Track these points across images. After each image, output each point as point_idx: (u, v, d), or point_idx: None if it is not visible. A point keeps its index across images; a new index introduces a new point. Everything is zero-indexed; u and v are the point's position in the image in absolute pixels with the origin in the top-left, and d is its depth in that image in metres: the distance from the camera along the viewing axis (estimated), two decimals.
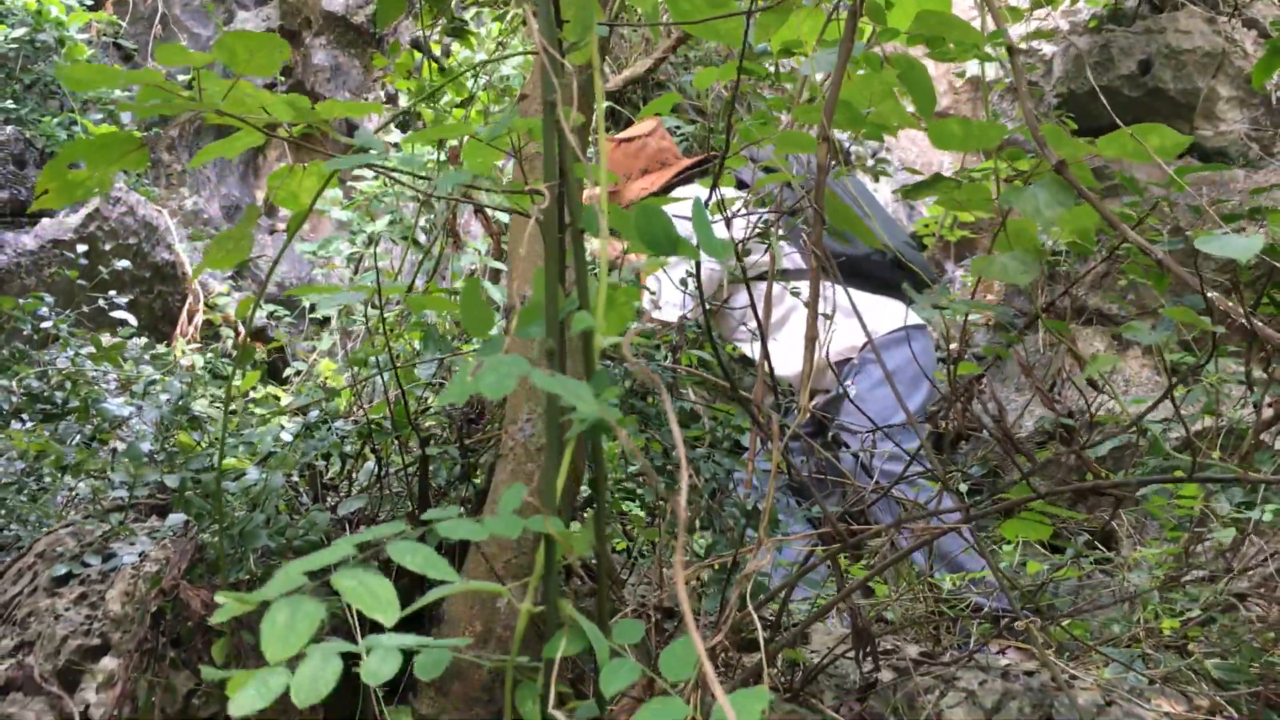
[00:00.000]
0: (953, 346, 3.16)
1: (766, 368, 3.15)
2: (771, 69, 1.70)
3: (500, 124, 0.96)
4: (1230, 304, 1.32)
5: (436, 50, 4.35)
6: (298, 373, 4.04)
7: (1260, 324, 1.25)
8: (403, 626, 1.95)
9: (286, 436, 2.02)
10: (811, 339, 1.28)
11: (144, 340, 2.58)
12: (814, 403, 3.40)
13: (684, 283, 3.40)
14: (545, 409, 0.79)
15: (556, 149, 0.80)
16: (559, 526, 0.78)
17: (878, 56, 1.51)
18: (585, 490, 2.21)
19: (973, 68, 5.68)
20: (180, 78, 4.67)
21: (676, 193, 3.42)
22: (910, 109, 1.69)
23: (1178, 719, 2.01)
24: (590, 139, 1.34)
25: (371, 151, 1.17)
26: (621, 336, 0.81)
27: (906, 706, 2.03)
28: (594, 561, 2.25)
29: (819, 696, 2.01)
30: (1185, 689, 2.12)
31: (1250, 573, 2.44)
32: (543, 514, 1.66)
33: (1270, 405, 3.02)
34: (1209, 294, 1.26)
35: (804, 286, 3.13)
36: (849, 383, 3.09)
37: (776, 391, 2.00)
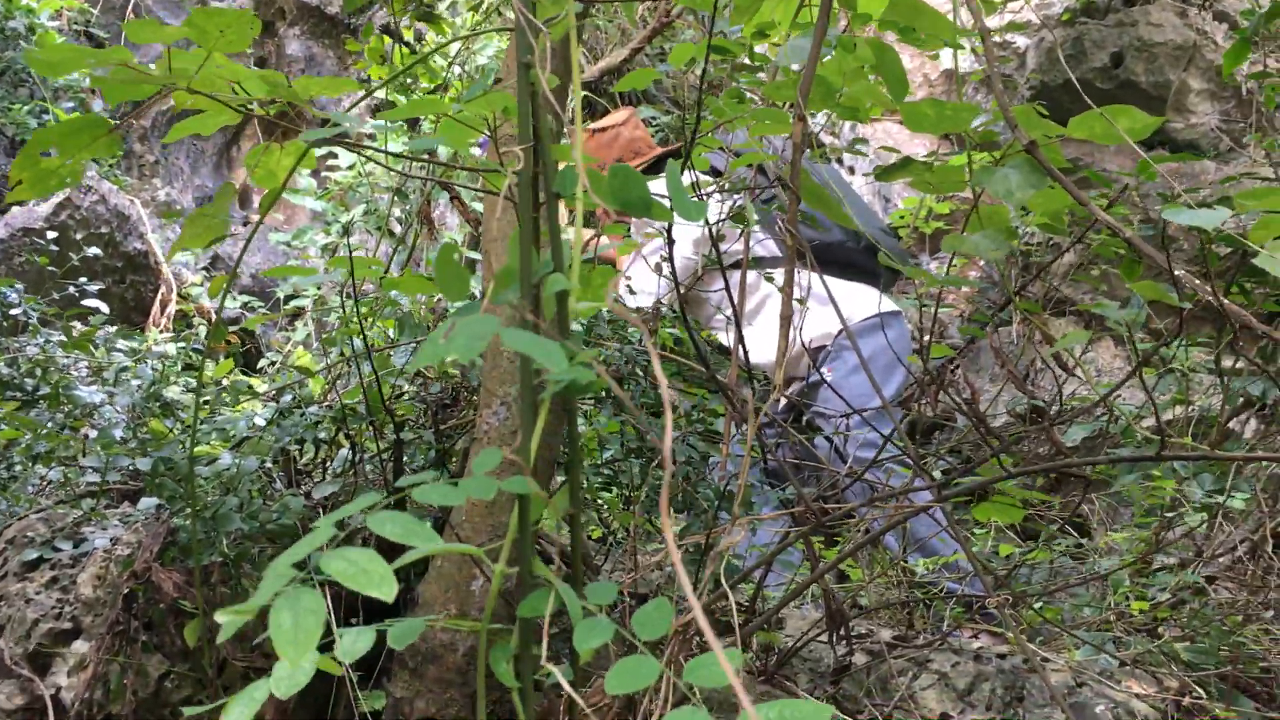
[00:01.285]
0: (926, 338, 3.17)
1: (741, 354, 3.15)
2: (745, 52, 1.71)
3: (476, 88, 0.96)
4: (1199, 282, 1.33)
5: (409, 36, 4.34)
6: (273, 363, 4.02)
7: (1228, 303, 1.26)
8: (375, 609, 1.95)
9: (260, 422, 2.02)
10: (786, 318, 1.29)
11: (115, 328, 2.56)
12: (790, 390, 3.42)
13: (659, 267, 3.40)
14: (520, 371, 0.78)
15: (531, 111, 0.80)
16: (533, 486, 0.78)
17: (851, 39, 1.52)
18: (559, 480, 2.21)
19: (947, 59, 5.71)
20: (155, 69, 4.62)
21: (649, 183, 3.42)
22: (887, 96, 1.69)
23: (1147, 700, 2.03)
24: (567, 116, 1.34)
25: (346, 125, 1.16)
26: (596, 306, 0.81)
27: (880, 689, 2.05)
28: (570, 549, 2.25)
29: (793, 679, 2.03)
30: (1155, 671, 2.14)
31: (1220, 557, 2.47)
32: (510, 505, 1.67)
33: (1240, 394, 3.05)
34: (1178, 271, 1.27)
35: (779, 274, 3.14)
36: (825, 369, 3.11)
37: (752, 378, 2.01)
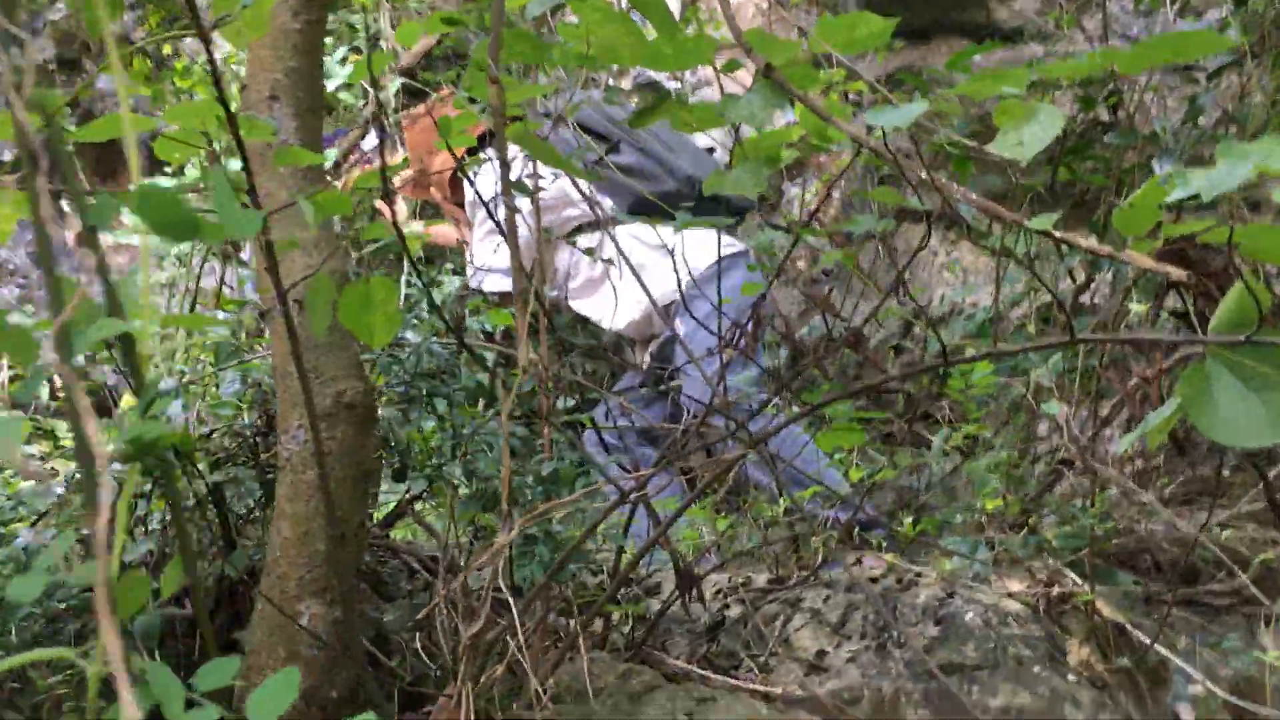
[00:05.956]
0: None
1: (570, 318, 3.10)
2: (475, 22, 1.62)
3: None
4: (923, 176, 1.29)
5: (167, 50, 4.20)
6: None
7: (975, 196, 1.22)
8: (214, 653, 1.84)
9: (59, 490, 1.89)
10: (511, 213, 1.20)
11: None
12: (650, 349, 3.37)
13: (495, 250, 3.32)
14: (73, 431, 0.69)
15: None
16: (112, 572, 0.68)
17: None
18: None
19: None
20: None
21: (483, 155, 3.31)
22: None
23: (1018, 597, 2.02)
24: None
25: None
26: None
27: (757, 638, 2.01)
28: (432, 554, 2.16)
29: (666, 646, 1.97)
30: (1028, 565, 2.13)
31: (1077, 443, 2.46)
32: (325, 531, 1.59)
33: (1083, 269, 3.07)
34: (922, 174, 1.23)
35: (608, 243, 3.06)
36: (677, 322, 3.05)
37: (566, 348, 1.94)
